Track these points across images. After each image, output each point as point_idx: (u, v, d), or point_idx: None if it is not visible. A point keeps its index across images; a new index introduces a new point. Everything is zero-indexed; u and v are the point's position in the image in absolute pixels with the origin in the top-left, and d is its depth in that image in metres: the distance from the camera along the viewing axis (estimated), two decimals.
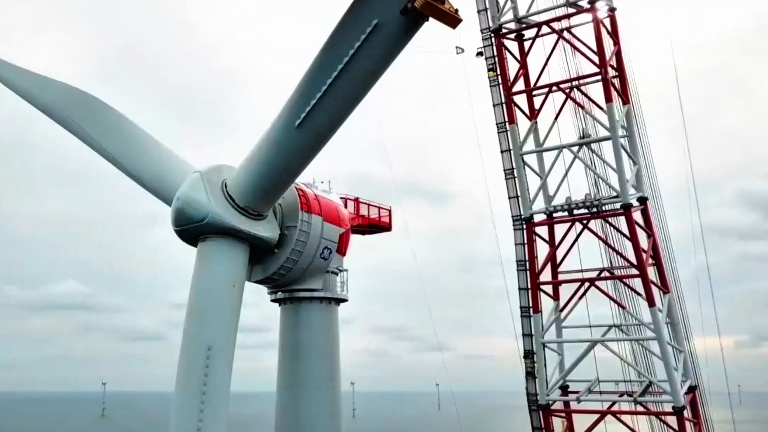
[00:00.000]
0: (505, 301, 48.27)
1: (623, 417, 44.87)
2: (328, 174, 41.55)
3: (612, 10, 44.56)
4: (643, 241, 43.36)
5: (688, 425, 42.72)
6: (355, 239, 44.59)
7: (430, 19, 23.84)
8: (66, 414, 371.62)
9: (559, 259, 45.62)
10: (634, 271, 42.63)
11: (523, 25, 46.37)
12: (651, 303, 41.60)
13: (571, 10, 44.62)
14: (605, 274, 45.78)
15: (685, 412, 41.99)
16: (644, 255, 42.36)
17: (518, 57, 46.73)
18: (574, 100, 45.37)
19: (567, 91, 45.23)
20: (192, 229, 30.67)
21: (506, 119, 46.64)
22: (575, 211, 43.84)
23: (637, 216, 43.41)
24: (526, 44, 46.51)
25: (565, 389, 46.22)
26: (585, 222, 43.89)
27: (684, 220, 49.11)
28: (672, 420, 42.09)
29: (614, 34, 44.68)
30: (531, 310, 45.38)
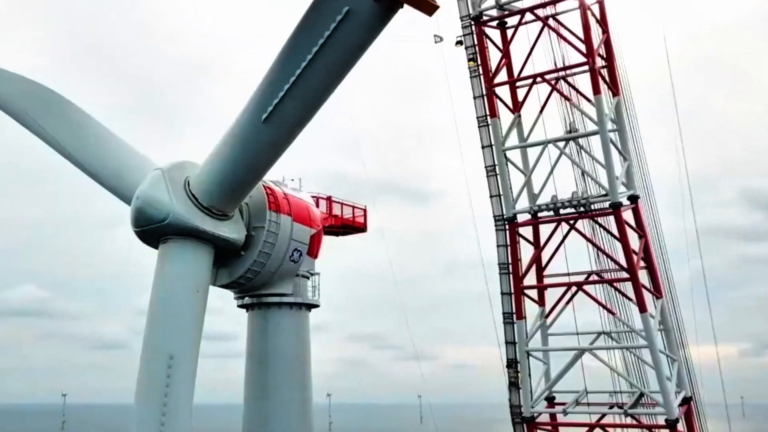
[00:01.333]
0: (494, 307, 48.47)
1: (613, 430, 45.12)
2: (298, 171, 41.93)
3: None
4: (635, 243, 43.45)
5: None
6: (327, 240, 44.96)
7: (405, 5, 24.18)
8: (23, 427, 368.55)
9: (544, 262, 45.66)
10: (625, 275, 42.65)
11: (506, 12, 46.37)
12: (642, 308, 41.60)
13: None
14: (594, 277, 45.80)
15: (679, 425, 41.83)
16: (635, 257, 42.49)
17: (500, 46, 46.76)
18: (561, 92, 45.47)
19: (552, 82, 45.30)
20: (153, 229, 31.04)
21: (487, 112, 46.78)
22: (561, 211, 43.77)
23: (627, 215, 43.53)
24: (509, 32, 46.46)
25: (551, 401, 46.38)
26: (572, 222, 43.94)
27: (681, 219, 49.31)
28: None
29: (603, 21, 44.85)
30: (514, 316, 45.54)
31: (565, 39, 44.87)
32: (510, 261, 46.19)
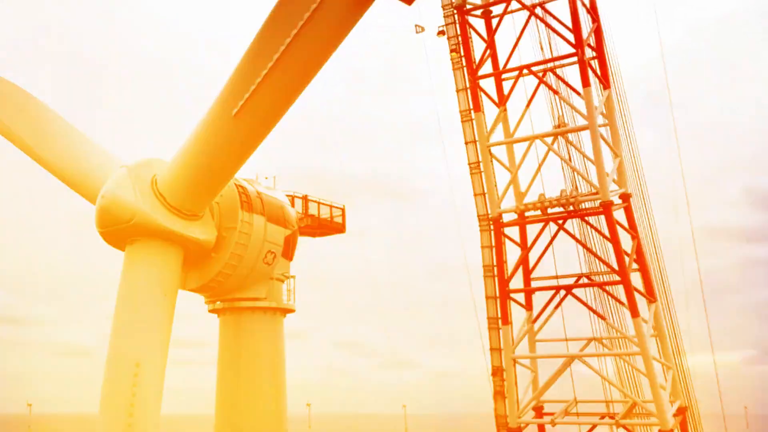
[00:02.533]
0: (479, 312, 48.52)
1: None
2: (273, 169, 42.12)
3: None
4: (627, 244, 43.61)
5: None
6: (303, 242, 45.11)
7: None
8: None
9: (531, 264, 45.81)
10: (616, 278, 42.62)
11: (490, 0, 46.38)
12: (634, 313, 41.53)
13: None
14: (583, 280, 45.84)
15: None
16: (627, 259, 42.57)
17: (485, 36, 46.72)
18: (548, 85, 45.53)
19: (540, 74, 45.17)
20: (118, 230, 31.14)
21: (471, 106, 46.98)
22: (549, 210, 43.84)
23: (619, 215, 43.67)
24: (494, 21, 46.56)
25: (538, 410, 46.71)
26: (560, 222, 43.97)
27: (677, 219, 49.47)
28: None
29: (593, 9, 45.18)
30: (500, 321, 45.56)
31: (552, 29, 44.89)
32: (495, 263, 46.46)
